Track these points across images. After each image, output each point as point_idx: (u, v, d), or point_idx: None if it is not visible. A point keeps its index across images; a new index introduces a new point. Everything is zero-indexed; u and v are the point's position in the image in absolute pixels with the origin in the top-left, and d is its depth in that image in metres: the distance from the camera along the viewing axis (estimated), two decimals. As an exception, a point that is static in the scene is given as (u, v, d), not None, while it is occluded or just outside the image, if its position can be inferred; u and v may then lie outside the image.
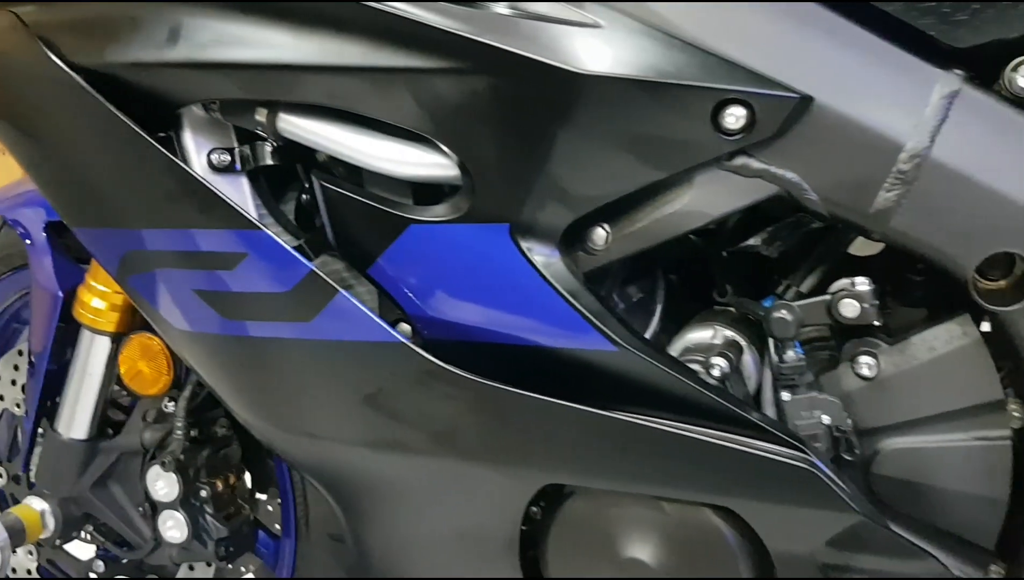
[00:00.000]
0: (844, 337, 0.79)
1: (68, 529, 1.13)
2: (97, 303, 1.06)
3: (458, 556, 0.87)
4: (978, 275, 0.68)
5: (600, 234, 0.76)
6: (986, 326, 0.74)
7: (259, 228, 0.80)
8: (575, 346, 0.75)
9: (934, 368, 0.76)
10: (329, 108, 0.77)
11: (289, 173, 0.91)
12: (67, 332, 1.10)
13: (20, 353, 1.28)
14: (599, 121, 0.70)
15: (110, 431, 1.13)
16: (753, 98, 0.67)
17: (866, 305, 0.75)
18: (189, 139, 0.85)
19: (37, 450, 1.16)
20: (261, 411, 0.89)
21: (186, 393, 1.04)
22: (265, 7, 0.76)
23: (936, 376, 0.76)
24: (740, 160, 0.70)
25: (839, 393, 0.77)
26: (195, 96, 0.82)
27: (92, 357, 1.08)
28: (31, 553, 1.26)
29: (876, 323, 0.77)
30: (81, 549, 1.22)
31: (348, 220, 0.82)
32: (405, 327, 0.82)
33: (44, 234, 1.12)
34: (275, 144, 0.84)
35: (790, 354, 0.77)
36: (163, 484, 1.06)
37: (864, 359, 0.77)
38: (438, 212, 0.78)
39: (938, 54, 0.68)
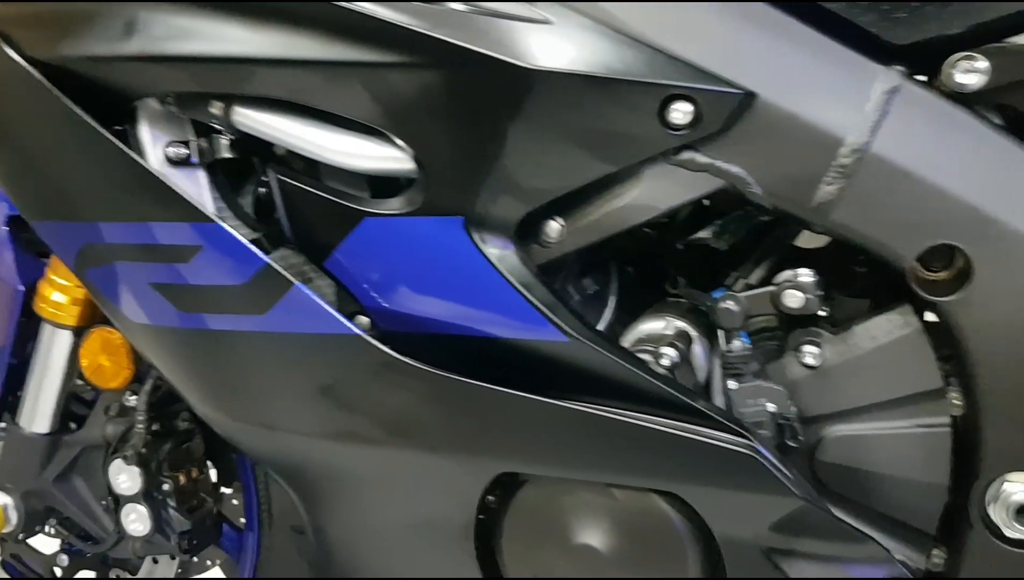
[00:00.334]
0: (790, 327, 0.80)
1: (31, 523, 1.13)
2: (58, 297, 1.06)
3: (415, 544, 0.88)
4: (922, 267, 0.70)
5: (553, 227, 0.77)
6: (930, 316, 0.76)
7: (213, 221, 0.80)
8: (528, 337, 0.76)
9: (876, 357, 0.77)
10: (284, 101, 0.78)
11: (251, 166, 0.91)
12: (28, 326, 1.10)
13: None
14: (550, 116, 0.71)
15: (72, 425, 1.13)
16: (698, 94, 0.69)
17: (809, 296, 0.77)
18: (145, 132, 0.85)
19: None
20: (219, 404, 0.89)
21: (147, 387, 1.04)
22: (219, 1, 0.76)
23: (878, 365, 0.77)
24: (687, 154, 0.71)
25: (784, 381, 0.79)
26: (150, 89, 0.82)
27: (53, 351, 1.07)
28: (-6, 548, 1.25)
29: (820, 313, 0.78)
30: (45, 543, 1.22)
31: (303, 213, 0.82)
32: (363, 320, 0.82)
33: (5, 228, 1.11)
34: (231, 137, 0.84)
35: (737, 344, 0.79)
36: (125, 478, 1.06)
37: (808, 348, 0.78)
38: (393, 205, 0.78)
39: (880, 51, 0.69)
